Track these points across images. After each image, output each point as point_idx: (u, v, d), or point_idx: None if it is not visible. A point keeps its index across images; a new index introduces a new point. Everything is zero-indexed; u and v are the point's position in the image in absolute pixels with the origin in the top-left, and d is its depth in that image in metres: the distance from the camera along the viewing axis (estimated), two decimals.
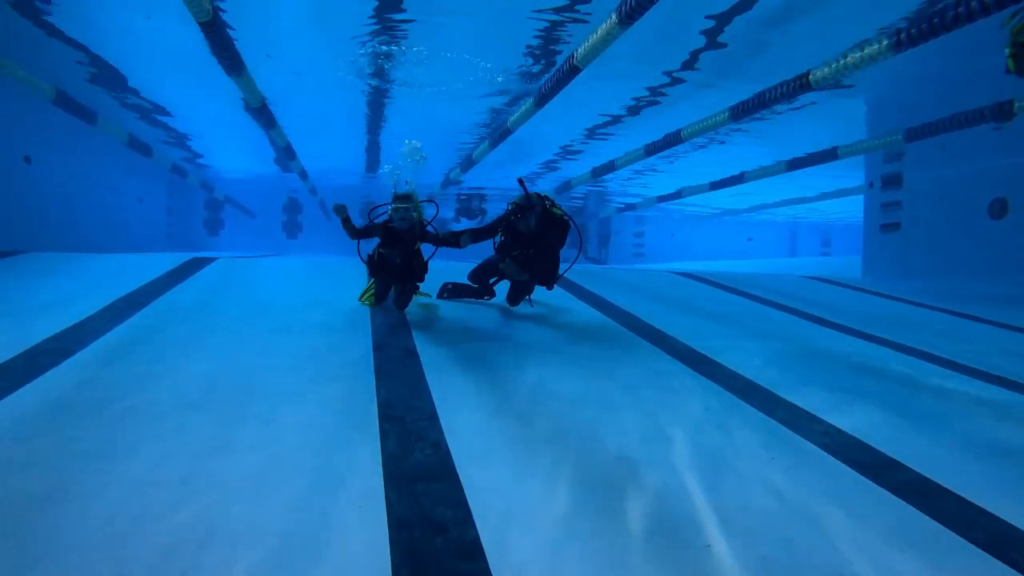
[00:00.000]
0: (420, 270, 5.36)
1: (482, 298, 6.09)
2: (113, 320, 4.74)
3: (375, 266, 5.31)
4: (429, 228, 5.35)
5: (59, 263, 7.20)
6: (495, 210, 20.59)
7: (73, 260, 7.48)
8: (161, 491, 2.33)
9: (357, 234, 5.17)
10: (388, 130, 11.93)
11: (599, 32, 5.88)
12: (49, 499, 2.23)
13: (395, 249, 5.18)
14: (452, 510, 2.33)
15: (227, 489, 2.38)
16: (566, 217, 5.43)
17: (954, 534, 2.34)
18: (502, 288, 6.05)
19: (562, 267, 5.62)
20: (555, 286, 5.76)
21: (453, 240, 5.29)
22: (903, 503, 2.57)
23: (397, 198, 5.14)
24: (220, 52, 6.53)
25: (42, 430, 2.80)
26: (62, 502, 2.21)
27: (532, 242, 5.32)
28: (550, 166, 15.36)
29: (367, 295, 5.60)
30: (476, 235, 5.39)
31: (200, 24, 5.65)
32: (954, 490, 2.69)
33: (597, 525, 2.28)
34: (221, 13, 6.41)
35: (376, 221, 5.32)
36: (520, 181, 5.36)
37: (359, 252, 5.41)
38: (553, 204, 5.40)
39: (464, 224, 20.57)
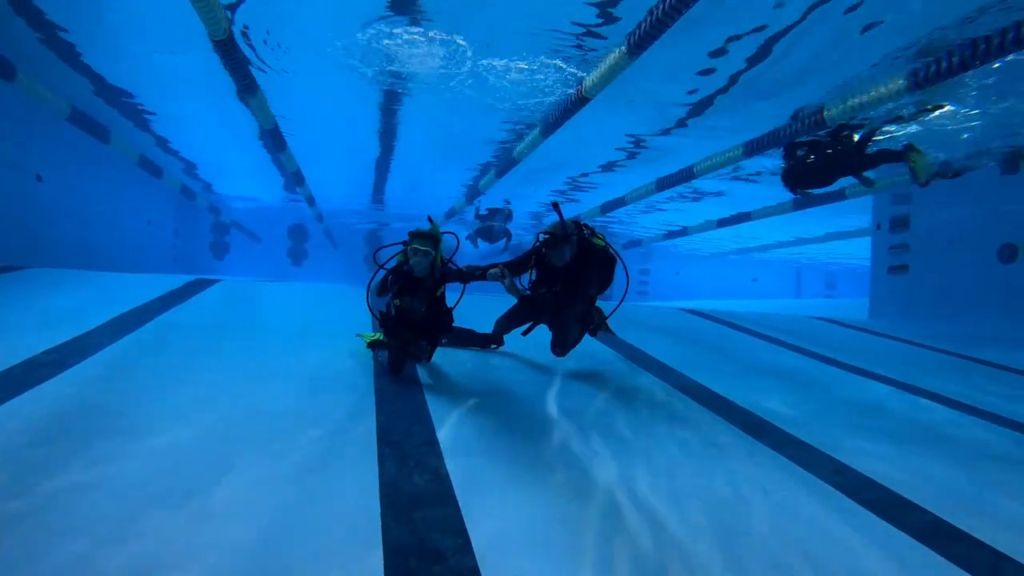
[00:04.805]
0: (447, 320, 4.39)
1: (488, 347, 5.26)
2: (109, 338, 4.66)
3: (392, 323, 4.22)
4: (450, 265, 4.36)
5: (64, 279, 7.15)
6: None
7: (76, 277, 7.43)
8: (151, 512, 2.22)
9: (384, 293, 4.22)
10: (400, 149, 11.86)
11: (607, 62, 5.90)
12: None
13: (415, 298, 4.18)
14: None
15: (213, 514, 2.27)
16: (611, 250, 4.59)
17: None
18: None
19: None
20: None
21: (480, 273, 4.41)
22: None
23: (417, 237, 4.12)
24: (234, 72, 6.55)
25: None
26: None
27: (568, 278, 4.50)
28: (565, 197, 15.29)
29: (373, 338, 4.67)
30: (504, 269, 4.50)
31: (215, 43, 5.68)
32: None
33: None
34: (239, 33, 6.48)
35: (386, 266, 4.23)
36: (555, 206, 4.56)
37: (368, 304, 4.43)
38: (593, 233, 4.59)
39: (482, 249, 16.28)
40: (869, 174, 7.59)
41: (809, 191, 7.65)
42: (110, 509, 2.20)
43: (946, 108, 7.33)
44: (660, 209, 15.82)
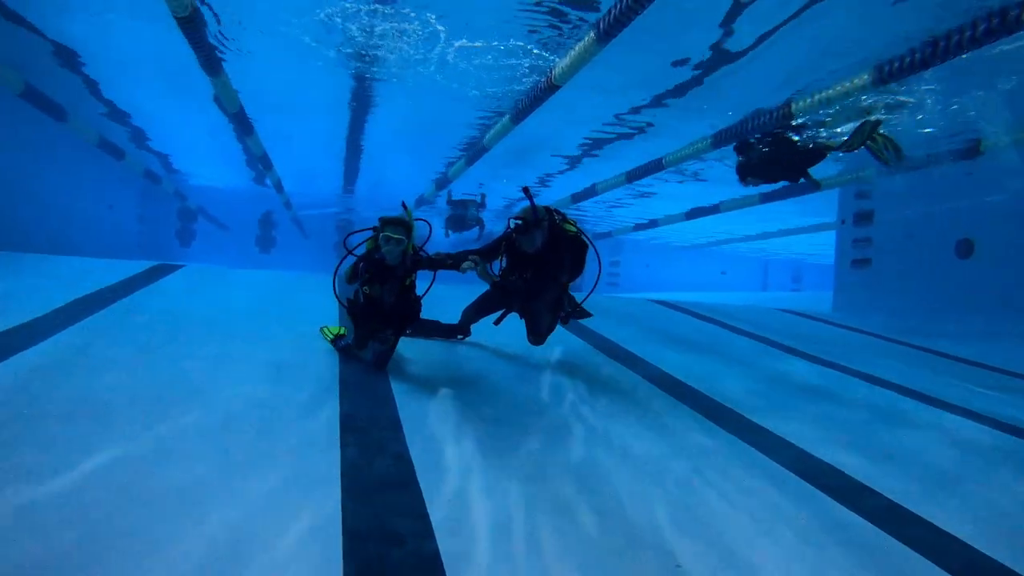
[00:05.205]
0: (415, 311, 4.25)
1: (454, 338, 5.16)
2: (64, 323, 4.52)
3: (360, 311, 4.09)
4: (421, 253, 4.19)
5: (16, 263, 6.91)
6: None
7: (30, 261, 7.19)
8: (100, 497, 2.16)
9: (353, 280, 4.09)
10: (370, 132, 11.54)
11: (577, 49, 5.86)
12: None
13: (385, 286, 4.04)
14: None
15: (168, 498, 2.22)
16: (583, 236, 4.51)
17: None
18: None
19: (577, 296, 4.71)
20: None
21: (451, 263, 4.23)
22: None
23: (388, 224, 3.94)
24: (198, 51, 6.37)
25: None
26: None
27: (539, 265, 4.40)
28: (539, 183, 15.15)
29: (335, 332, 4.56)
30: (477, 257, 4.40)
31: (178, 19, 5.51)
32: None
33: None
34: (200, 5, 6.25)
35: (356, 253, 4.09)
36: (525, 190, 4.39)
37: (335, 291, 4.23)
38: (564, 219, 4.50)
39: (454, 240, 15.32)
40: (815, 174, 7.95)
41: (760, 183, 8.04)
42: (62, 492, 2.14)
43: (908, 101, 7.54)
44: (630, 201, 15.93)
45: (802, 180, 7.82)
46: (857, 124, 7.24)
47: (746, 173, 7.95)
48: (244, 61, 7.72)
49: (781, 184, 9.11)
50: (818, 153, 7.54)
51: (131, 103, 10.51)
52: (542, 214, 4.31)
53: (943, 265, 10.10)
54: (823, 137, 8.12)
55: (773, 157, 7.72)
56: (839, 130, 8.20)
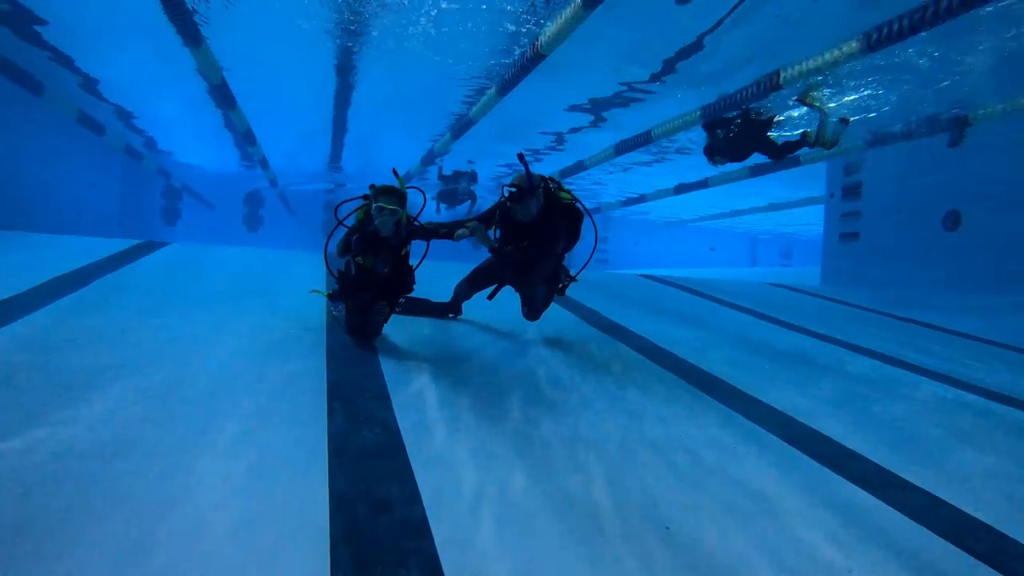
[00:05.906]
0: (409, 282, 4.15)
1: (445, 317, 5.02)
2: (47, 298, 4.44)
3: (352, 283, 3.98)
4: (415, 223, 4.07)
5: None
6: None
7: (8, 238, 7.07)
8: (89, 463, 2.13)
9: (346, 254, 3.97)
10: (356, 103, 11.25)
11: (563, 17, 5.76)
12: None
13: (379, 258, 3.91)
14: None
15: (157, 460, 2.20)
16: (578, 204, 4.39)
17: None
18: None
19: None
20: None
21: (445, 232, 4.11)
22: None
23: (382, 193, 3.78)
24: (177, 19, 6.20)
25: None
26: None
27: (534, 234, 4.25)
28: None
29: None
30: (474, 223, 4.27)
31: None
32: None
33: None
34: None
35: (347, 224, 3.96)
36: (520, 157, 4.24)
37: (327, 261, 4.18)
38: (560, 187, 4.36)
39: (447, 216, 14.00)
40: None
41: (727, 162, 8.31)
42: (46, 470, 2.10)
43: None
44: (624, 170, 15.85)
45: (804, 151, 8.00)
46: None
47: (714, 152, 8.13)
48: (225, 31, 7.52)
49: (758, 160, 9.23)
50: (791, 143, 7.73)
51: (111, 77, 10.27)
52: (537, 181, 4.16)
53: (931, 238, 10.14)
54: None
55: (741, 137, 7.90)
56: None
